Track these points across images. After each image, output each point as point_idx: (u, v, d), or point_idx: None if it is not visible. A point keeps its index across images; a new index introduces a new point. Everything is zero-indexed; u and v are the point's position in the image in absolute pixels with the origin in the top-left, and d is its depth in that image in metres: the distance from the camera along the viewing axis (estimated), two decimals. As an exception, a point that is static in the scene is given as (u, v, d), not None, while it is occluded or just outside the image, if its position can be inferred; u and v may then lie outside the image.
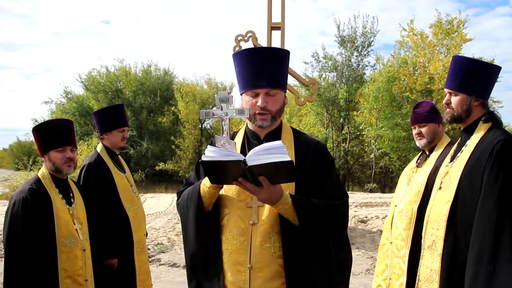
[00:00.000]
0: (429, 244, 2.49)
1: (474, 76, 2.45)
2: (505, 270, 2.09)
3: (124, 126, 3.91)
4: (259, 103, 2.13)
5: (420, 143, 3.34)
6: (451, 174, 2.44)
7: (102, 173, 3.68)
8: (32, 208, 2.80)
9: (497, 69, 2.53)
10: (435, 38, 19.68)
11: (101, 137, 3.89)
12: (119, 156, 4.01)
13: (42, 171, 3.01)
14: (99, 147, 3.85)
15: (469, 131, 2.50)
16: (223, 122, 2.08)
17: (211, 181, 2.03)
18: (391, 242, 3.23)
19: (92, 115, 4.09)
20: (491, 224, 2.14)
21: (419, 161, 3.40)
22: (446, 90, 2.57)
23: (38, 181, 2.94)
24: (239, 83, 2.23)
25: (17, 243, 2.76)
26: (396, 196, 3.36)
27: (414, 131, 3.39)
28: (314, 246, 2.08)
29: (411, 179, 3.28)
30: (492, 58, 19.69)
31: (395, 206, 3.27)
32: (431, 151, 3.31)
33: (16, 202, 2.81)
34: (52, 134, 2.95)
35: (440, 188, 2.51)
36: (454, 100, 2.51)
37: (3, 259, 2.79)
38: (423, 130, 3.30)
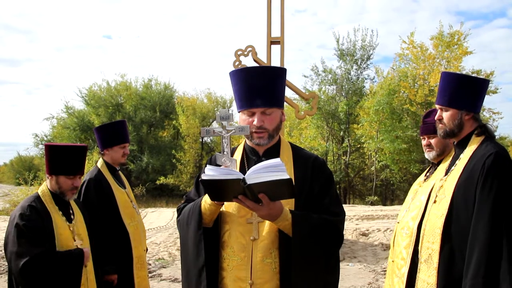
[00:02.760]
0: (425, 257, 2.49)
1: (463, 91, 2.49)
2: (503, 283, 2.10)
3: (125, 142, 3.94)
4: (255, 123, 2.16)
5: (429, 155, 3.11)
6: (445, 187, 2.47)
7: (103, 189, 3.70)
8: (32, 226, 2.80)
9: (485, 82, 2.57)
10: (435, 50, 19.78)
11: (102, 152, 3.92)
12: (120, 171, 4.03)
13: (42, 189, 3.03)
14: (100, 163, 3.88)
15: (462, 145, 2.54)
16: (223, 140, 2.09)
17: (212, 198, 2.05)
18: (393, 261, 3.08)
19: (93, 130, 4.12)
20: (486, 238, 2.16)
21: (427, 174, 3.15)
22: (437, 106, 2.61)
23: (37, 198, 2.97)
24: (236, 102, 2.26)
25: None
26: (400, 211, 3.16)
27: (423, 142, 3.16)
28: (306, 263, 2.06)
29: (417, 193, 3.06)
30: (491, 70, 19.75)
31: (398, 222, 3.08)
32: (439, 163, 3.03)
33: (17, 218, 2.82)
34: (66, 161, 2.98)
35: (435, 201, 2.53)
36: (446, 115, 2.55)
37: (4, 274, 2.79)
38: (433, 141, 3.07)
